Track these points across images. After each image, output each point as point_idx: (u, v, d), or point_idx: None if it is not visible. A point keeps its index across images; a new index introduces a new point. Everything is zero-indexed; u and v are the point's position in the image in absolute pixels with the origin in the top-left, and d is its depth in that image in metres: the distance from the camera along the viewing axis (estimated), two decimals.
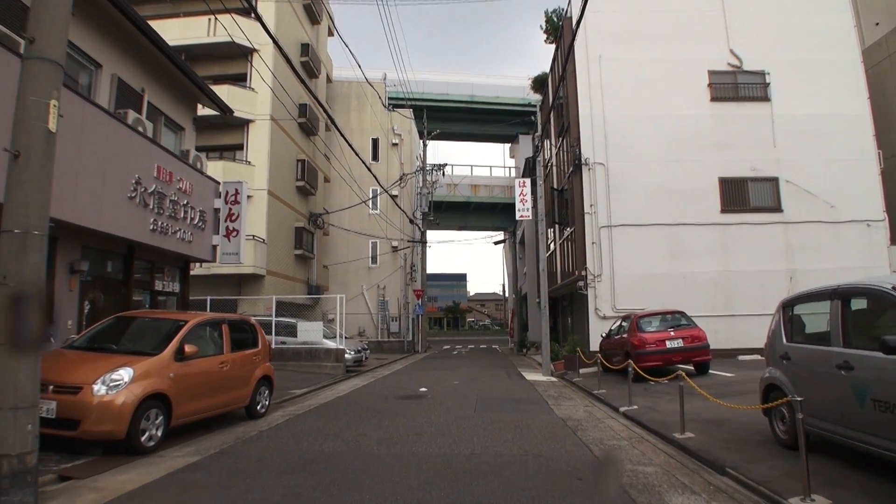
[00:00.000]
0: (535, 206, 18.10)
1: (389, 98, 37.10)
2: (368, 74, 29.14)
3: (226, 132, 23.43)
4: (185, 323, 7.69)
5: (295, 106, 24.34)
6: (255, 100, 23.09)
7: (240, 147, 23.41)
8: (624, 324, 14.48)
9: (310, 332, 17.40)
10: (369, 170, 24.56)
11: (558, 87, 22.35)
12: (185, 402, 7.28)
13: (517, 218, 18.00)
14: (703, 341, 13.08)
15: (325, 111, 25.31)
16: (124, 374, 6.54)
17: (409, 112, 36.26)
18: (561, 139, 22.42)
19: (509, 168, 52.95)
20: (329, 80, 33.46)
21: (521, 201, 17.55)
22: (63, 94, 8.51)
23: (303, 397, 11.89)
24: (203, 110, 22.48)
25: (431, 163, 34.49)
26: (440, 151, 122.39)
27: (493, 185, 50.25)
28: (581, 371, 15.29)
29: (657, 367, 12.30)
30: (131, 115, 10.49)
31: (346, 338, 21.19)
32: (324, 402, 10.66)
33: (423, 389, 12.37)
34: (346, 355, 17.48)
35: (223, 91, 22.45)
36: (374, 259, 33.71)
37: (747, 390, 9.91)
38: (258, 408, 9.05)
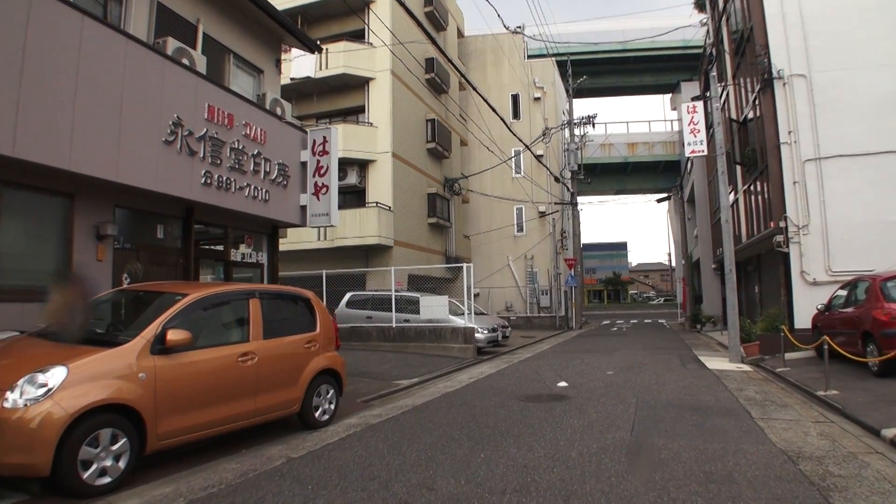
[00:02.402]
0: (710, 139, 13.74)
1: (529, 56, 33.44)
2: (505, 30, 25.93)
3: (346, 94, 21.64)
4: (180, 298, 5.23)
5: (418, 62, 21.83)
6: (375, 56, 20.88)
7: (361, 109, 21.45)
8: (856, 291, 10.01)
9: (433, 308, 14.77)
10: (509, 129, 21.44)
11: None
12: (174, 414, 4.83)
13: (687, 154, 13.77)
14: None
15: (455, 67, 22.59)
16: (52, 375, 4.19)
17: (550, 61, 32.28)
18: (739, 57, 17.41)
19: (671, 121, 46.87)
20: (460, 34, 30.63)
21: (692, 133, 13.28)
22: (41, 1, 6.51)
23: (405, 392, 9.24)
24: (324, 71, 21.03)
25: (579, 117, 30.27)
26: (589, 109, 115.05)
27: (654, 143, 44.75)
28: (786, 356, 11.03)
29: None
30: (171, 44, 8.38)
31: (479, 314, 18.46)
32: (421, 403, 7.85)
33: (563, 384, 9.07)
34: (477, 335, 14.65)
35: (339, 48, 20.68)
36: (519, 227, 30.58)
37: None
38: (317, 414, 6.45)
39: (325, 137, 10.95)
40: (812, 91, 13.61)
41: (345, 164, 20.42)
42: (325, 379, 6.60)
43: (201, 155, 8.40)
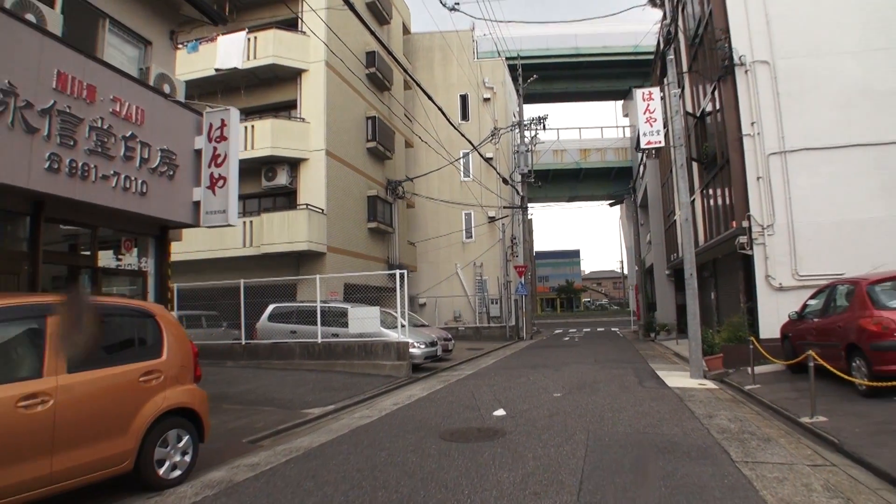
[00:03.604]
0: (666, 128, 12.60)
1: (479, 56, 32.39)
2: (453, 27, 24.58)
3: (277, 87, 19.87)
4: None
5: (357, 57, 20.21)
6: (308, 46, 19.18)
7: (293, 104, 19.68)
8: (835, 297, 8.91)
9: (363, 320, 13.13)
10: (457, 129, 20.04)
11: None
12: None
13: (643, 146, 12.59)
14: None
15: (399, 62, 21.07)
16: None
17: (501, 62, 31.17)
18: (696, 47, 16.46)
19: (623, 127, 46.83)
20: (406, 30, 29.18)
21: (648, 122, 12.11)
22: None
23: (311, 425, 7.63)
24: (252, 61, 19.15)
25: (530, 118, 29.19)
26: (541, 115, 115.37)
27: (606, 148, 44.62)
28: (756, 370, 9.86)
29: None
30: None
31: (419, 325, 16.98)
32: (318, 445, 6.23)
33: (499, 413, 7.57)
34: (413, 350, 13.11)
35: (268, 36, 18.92)
36: (468, 233, 29.27)
37: None
38: (162, 471, 4.78)
39: (223, 120, 9.23)
40: (776, 79, 12.62)
41: (274, 163, 18.70)
42: (176, 422, 4.94)
43: (45, 133, 6.61)
